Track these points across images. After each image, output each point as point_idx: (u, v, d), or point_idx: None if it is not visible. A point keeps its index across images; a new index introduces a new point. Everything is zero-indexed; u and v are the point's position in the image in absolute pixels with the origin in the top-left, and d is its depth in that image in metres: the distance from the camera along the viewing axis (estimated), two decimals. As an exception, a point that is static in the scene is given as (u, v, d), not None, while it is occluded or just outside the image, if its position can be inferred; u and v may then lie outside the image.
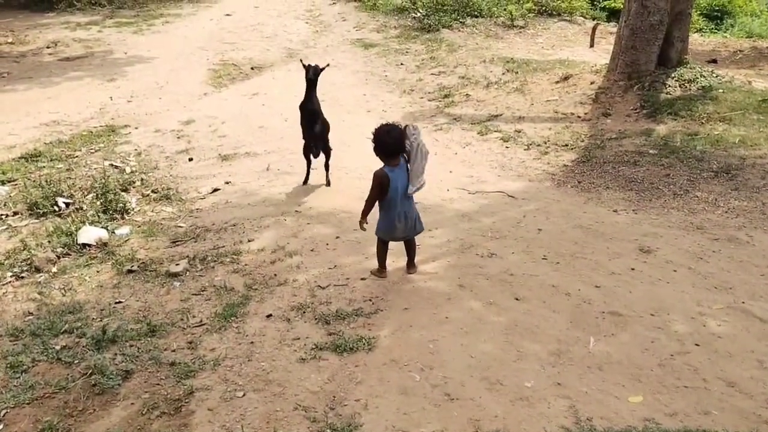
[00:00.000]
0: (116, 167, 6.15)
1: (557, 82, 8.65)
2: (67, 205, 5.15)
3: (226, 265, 4.12)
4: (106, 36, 12.27)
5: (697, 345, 3.19)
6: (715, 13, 15.21)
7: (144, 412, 2.78)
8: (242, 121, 7.76)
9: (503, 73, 9.47)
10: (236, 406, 2.79)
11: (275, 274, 3.96)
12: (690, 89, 7.56)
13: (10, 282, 4.11)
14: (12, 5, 14.78)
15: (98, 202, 5.11)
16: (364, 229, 3.73)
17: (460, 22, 12.52)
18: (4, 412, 2.81)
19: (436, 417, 2.67)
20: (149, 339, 3.33)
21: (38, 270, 4.22)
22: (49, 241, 4.53)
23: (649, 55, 7.81)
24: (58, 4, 14.38)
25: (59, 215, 5.01)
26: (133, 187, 5.66)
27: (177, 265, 4.13)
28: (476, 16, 12.87)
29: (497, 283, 3.75)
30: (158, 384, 2.97)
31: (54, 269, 4.24)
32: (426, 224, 3.94)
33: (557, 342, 3.19)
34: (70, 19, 13.67)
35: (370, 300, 3.59)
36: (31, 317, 3.65)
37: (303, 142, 5.49)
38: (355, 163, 6.06)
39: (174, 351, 3.23)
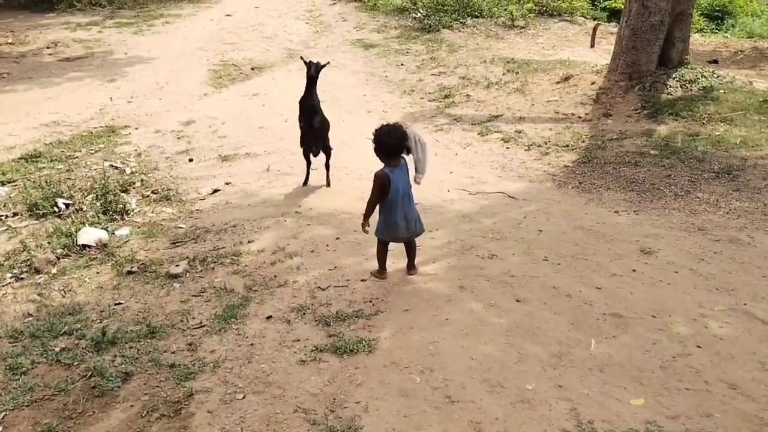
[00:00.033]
0: (116, 168, 6.14)
1: (558, 83, 8.64)
2: (67, 206, 5.14)
3: (226, 266, 4.11)
4: (106, 36, 12.28)
5: (698, 347, 3.17)
6: (716, 14, 15.19)
7: (143, 415, 2.78)
8: (242, 122, 7.75)
9: (504, 74, 9.46)
10: (236, 408, 2.78)
11: (275, 276, 3.94)
12: (691, 90, 7.55)
13: (9, 283, 4.10)
14: (12, 5, 14.80)
15: (98, 203, 5.10)
16: (367, 232, 3.70)
17: (461, 22, 12.52)
18: (3, 414, 2.80)
19: (437, 419, 2.65)
20: (149, 341, 3.33)
21: (38, 271, 4.21)
22: (48, 242, 4.53)
23: (650, 56, 7.80)
24: (58, 5, 14.40)
25: (59, 216, 5.00)
26: (133, 188, 5.65)
27: (177, 266, 4.12)
28: (477, 17, 12.87)
29: (498, 285, 3.74)
30: (158, 386, 2.96)
31: (54, 270, 4.23)
32: (426, 225, 3.92)
33: (558, 344, 3.18)
34: (70, 19, 13.69)
35: (371, 301, 3.58)
36: (30, 319, 3.64)
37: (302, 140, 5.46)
38: (356, 163, 6.05)
39: (174, 353, 3.22)
